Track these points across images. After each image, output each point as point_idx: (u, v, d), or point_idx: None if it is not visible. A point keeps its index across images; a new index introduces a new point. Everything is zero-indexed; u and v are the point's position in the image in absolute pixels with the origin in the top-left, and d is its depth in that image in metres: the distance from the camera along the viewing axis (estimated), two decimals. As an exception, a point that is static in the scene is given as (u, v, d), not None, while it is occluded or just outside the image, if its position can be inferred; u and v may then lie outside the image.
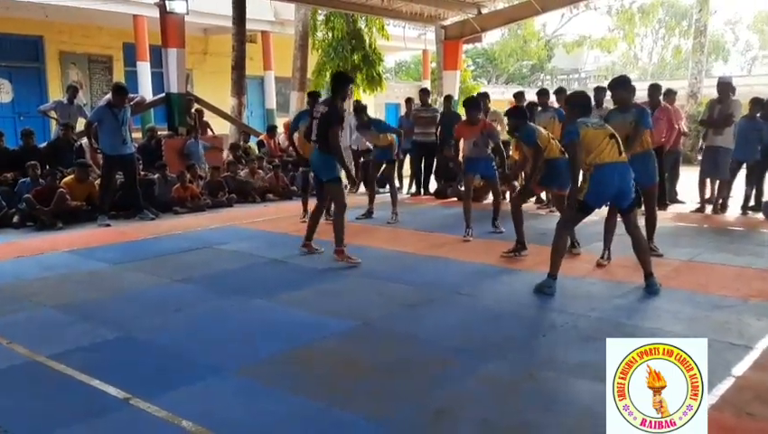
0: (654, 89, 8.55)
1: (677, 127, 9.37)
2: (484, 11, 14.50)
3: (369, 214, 8.80)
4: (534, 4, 13.27)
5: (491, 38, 32.28)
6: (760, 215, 8.57)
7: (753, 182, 8.72)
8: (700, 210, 8.94)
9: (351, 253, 6.15)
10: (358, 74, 15.69)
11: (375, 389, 3.38)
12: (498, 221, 7.70)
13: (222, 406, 3.21)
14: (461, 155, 7.85)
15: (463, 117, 7.80)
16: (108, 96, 9.02)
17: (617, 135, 4.99)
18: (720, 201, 8.89)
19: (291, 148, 9.37)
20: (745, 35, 47.55)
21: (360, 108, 9.14)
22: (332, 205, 6.71)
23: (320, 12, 15.48)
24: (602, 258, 6.01)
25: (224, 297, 5.11)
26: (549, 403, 3.20)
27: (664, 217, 8.72)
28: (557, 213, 8.00)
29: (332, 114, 5.93)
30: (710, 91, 10.02)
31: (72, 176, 8.83)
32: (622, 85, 6.01)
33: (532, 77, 40.28)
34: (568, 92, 7.95)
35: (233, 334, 4.30)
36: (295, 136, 8.18)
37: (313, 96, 8.69)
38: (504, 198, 9.02)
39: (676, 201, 9.74)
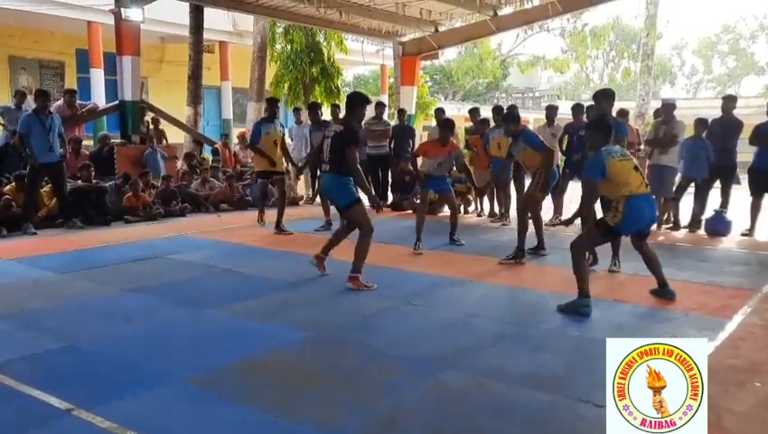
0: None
1: None
2: (441, 29, 14.72)
3: (328, 226, 8.57)
4: (490, 24, 13.52)
5: (448, 55, 32.85)
6: (702, 231, 8.83)
7: (701, 199, 8.95)
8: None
9: (367, 279, 5.65)
10: (316, 87, 15.72)
11: (325, 398, 3.38)
12: (456, 234, 7.74)
13: (169, 416, 3.17)
14: (419, 167, 7.86)
15: (431, 134, 7.81)
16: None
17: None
18: (665, 217, 9.13)
19: (253, 158, 9.35)
20: (691, 60, 49.54)
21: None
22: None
23: (279, 24, 15.48)
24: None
25: (175, 307, 5.04)
26: (497, 412, 3.24)
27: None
28: (511, 226, 8.16)
29: (348, 134, 5.55)
30: (657, 113, 10.29)
31: (14, 184, 8.60)
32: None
33: (488, 94, 41.03)
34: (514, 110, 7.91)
35: (183, 343, 4.24)
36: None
37: (272, 102, 8.60)
38: (460, 211, 9.19)
39: None
